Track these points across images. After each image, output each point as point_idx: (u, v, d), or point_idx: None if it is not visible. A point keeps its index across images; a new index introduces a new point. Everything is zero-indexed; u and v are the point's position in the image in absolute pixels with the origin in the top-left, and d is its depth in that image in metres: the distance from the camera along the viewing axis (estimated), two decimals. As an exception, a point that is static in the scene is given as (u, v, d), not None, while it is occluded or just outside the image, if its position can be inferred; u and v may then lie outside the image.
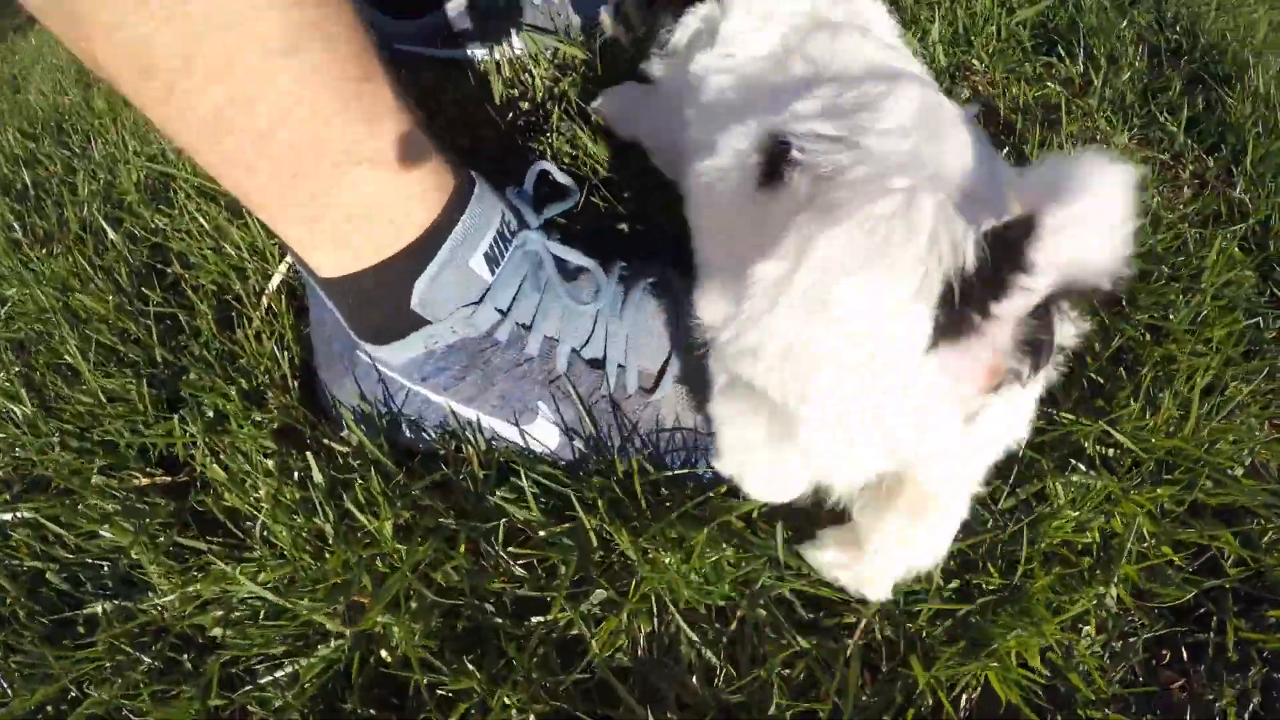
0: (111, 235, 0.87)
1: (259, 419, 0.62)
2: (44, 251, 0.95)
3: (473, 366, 0.50)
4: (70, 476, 0.65)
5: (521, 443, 0.51)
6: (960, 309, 0.30)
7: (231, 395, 0.63)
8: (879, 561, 0.43)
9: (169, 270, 0.84)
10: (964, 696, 0.47)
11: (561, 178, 0.55)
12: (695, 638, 0.48)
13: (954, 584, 0.50)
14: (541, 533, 0.51)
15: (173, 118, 0.39)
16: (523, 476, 0.52)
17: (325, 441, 0.58)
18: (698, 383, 0.50)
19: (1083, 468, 0.55)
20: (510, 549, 0.50)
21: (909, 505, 0.41)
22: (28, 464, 0.70)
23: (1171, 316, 0.64)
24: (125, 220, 0.93)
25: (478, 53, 0.97)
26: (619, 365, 0.51)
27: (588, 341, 0.51)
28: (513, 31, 0.95)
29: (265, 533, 0.54)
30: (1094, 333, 0.60)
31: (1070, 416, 0.57)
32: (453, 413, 0.53)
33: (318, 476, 0.54)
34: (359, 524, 0.52)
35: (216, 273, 0.79)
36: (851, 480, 0.39)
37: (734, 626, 0.49)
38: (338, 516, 0.53)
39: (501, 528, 0.51)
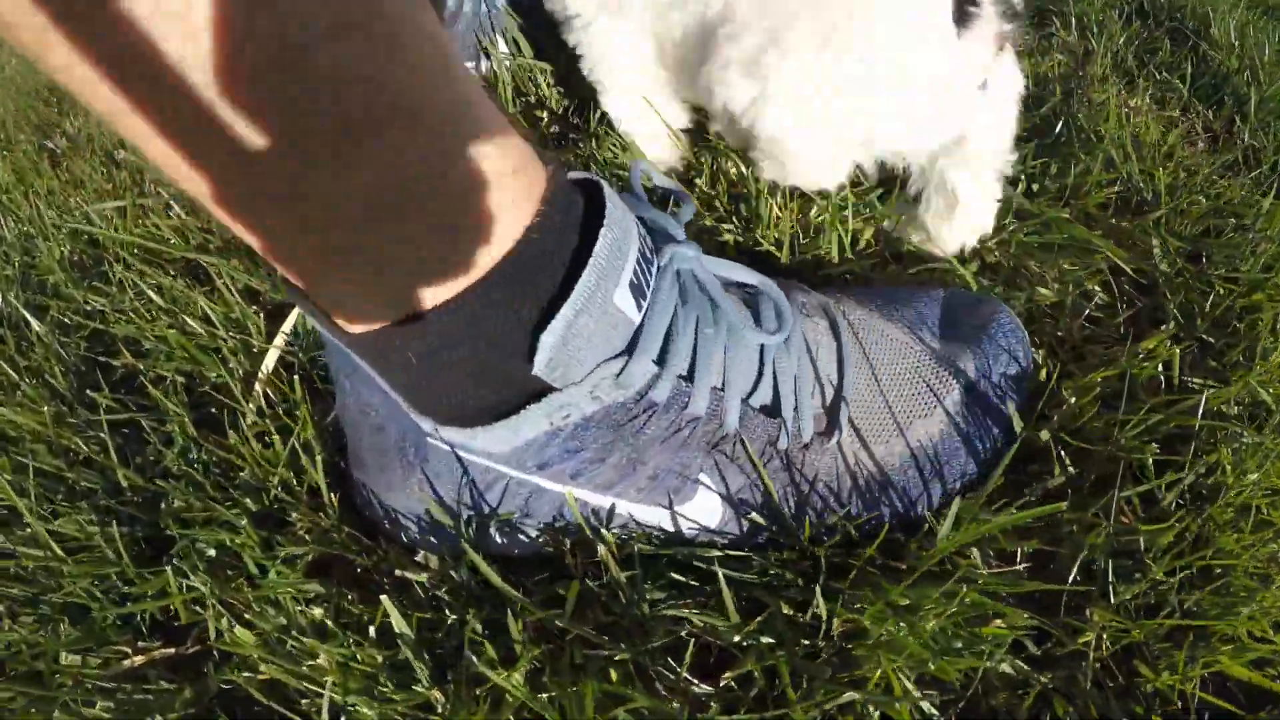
0: (36, 326, 0.68)
1: (287, 553, 0.45)
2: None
3: (619, 442, 0.35)
4: (30, 661, 0.47)
5: (669, 526, 0.38)
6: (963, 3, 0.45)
7: (240, 525, 0.46)
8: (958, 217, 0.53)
9: (116, 363, 0.66)
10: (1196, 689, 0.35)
11: (665, 180, 0.41)
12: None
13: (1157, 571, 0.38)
14: (736, 638, 0.35)
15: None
16: (678, 569, 0.37)
17: (398, 572, 0.42)
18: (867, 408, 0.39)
19: (1238, 429, 0.43)
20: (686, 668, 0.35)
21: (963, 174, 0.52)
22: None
23: (1243, 267, 0.55)
24: (50, 307, 0.74)
25: (481, 66, 0.85)
26: (794, 409, 0.38)
27: (756, 385, 0.37)
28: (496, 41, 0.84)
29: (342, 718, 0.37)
30: (1194, 297, 0.52)
31: (1199, 381, 0.46)
32: (574, 502, 0.38)
33: (400, 624, 0.38)
34: (479, 676, 0.36)
35: (182, 358, 0.62)
36: (917, 148, 0.52)
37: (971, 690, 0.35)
38: (436, 674, 0.37)
39: (687, 643, 0.35)
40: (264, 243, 0.29)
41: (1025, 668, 0.35)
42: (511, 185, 0.30)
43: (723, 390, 0.36)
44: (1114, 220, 0.59)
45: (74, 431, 0.60)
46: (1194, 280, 0.54)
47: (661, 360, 0.34)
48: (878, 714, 0.33)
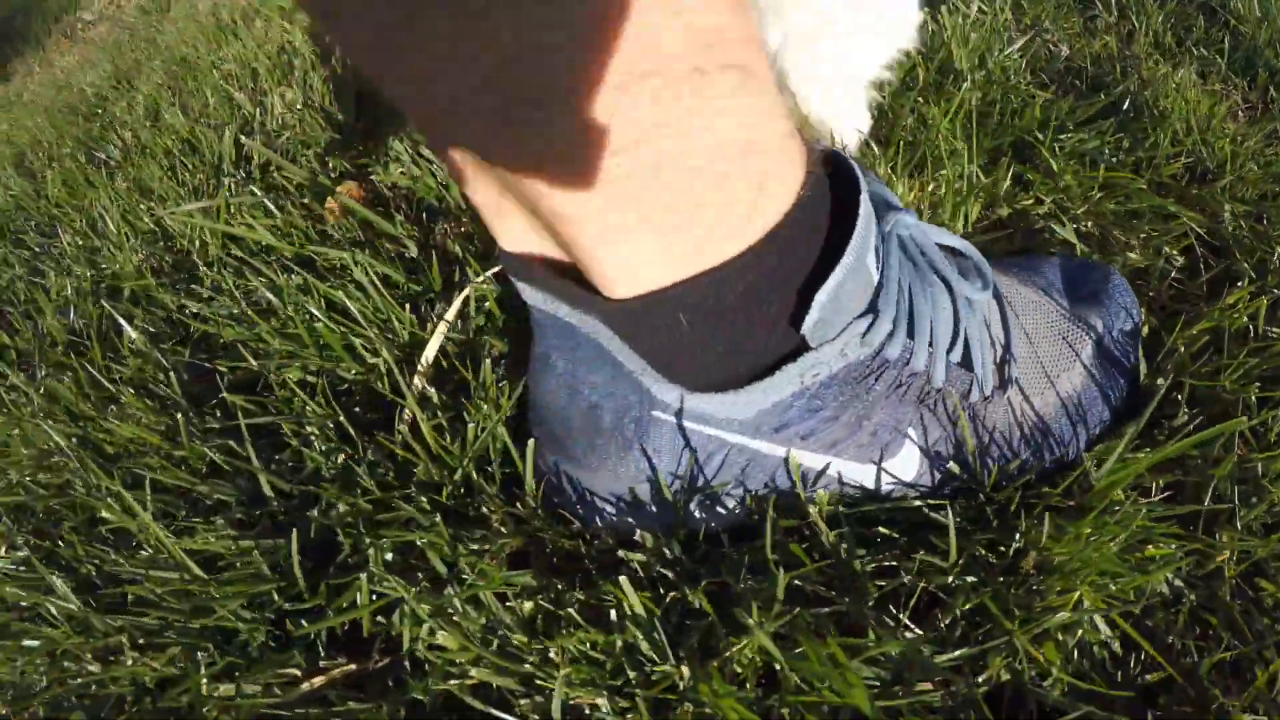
0: (131, 334, 0.64)
1: (479, 548, 0.41)
2: (22, 376, 0.70)
3: (854, 400, 0.36)
4: (176, 698, 0.42)
5: (870, 483, 0.39)
6: None
7: (431, 522, 0.41)
8: None
9: (226, 369, 0.61)
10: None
11: (847, 155, 0.39)
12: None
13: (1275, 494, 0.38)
14: (950, 579, 0.35)
15: None
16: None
17: (632, 559, 0.38)
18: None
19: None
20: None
21: None
22: (86, 687, 0.47)
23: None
24: (135, 315, 0.69)
25: None
26: (981, 364, 0.39)
27: (953, 342, 0.38)
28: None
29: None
30: (1264, 256, 0.55)
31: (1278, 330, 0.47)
32: (786, 466, 0.37)
33: (637, 604, 0.34)
34: (710, 648, 0.32)
35: (310, 356, 0.57)
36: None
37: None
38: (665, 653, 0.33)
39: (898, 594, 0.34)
40: (562, 209, 0.28)
41: (1180, 585, 0.36)
42: (791, 148, 0.31)
43: (932, 347, 0.37)
44: (1186, 188, 0.62)
45: (192, 442, 0.55)
46: (1259, 242, 0.56)
47: (895, 318, 0.35)
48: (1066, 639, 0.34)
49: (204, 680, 0.42)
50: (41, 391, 0.61)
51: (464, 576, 0.40)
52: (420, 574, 0.42)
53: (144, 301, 0.73)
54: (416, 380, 0.49)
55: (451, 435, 0.47)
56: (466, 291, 0.54)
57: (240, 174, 0.81)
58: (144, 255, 0.77)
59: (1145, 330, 0.47)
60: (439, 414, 0.49)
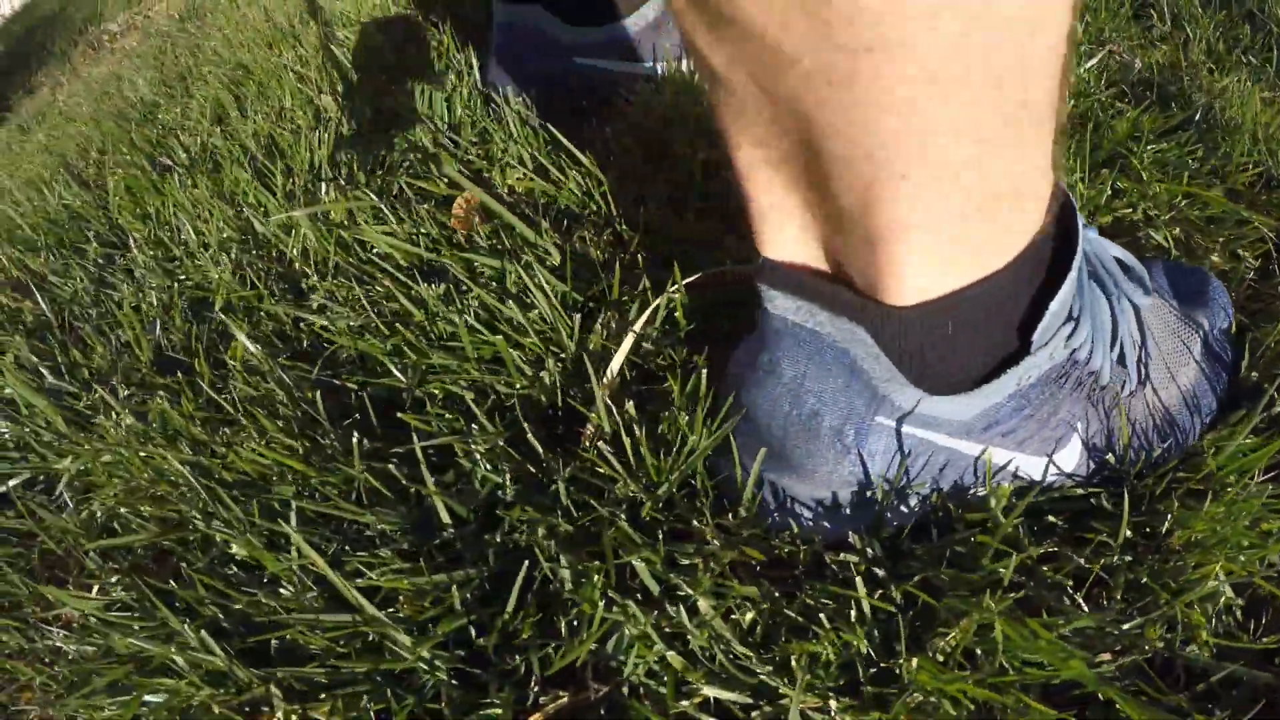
0: (248, 344, 0.58)
1: (692, 562, 0.36)
2: (122, 401, 0.64)
3: (1050, 398, 0.40)
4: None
5: (1038, 475, 0.41)
6: None
7: (644, 541, 0.36)
8: None
9: (356, 384, 0.56)
10: None
11: None
12: None
13: None
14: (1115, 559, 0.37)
15: None
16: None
17: (845, 560, 0.34)
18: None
19: None
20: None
21: None
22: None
23: None
24: (238, 329, 0.63)
25: (660, 67, 0.79)
26: (1131, 362, 0.44)
27: (1113, 341, 0.43)
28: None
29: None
30: None
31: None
32: (976, 463, 0.40)
33: (868, 604, 0.29)
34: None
35: (470, 366, 0.52)
36: None
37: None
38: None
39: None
40: (866, 205, 0.29)
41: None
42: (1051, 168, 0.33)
43: (1104, 347, 0.41)
44: (1257, 195, 0.65)
45: (332, 464, 0.50)
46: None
47: (1092, 324, 0.39)
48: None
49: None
50: (153, 418, 0.55)
51: (680, 593, 0.37)
52: (638, 595, 0.37)
53: (241, 314, 0.67)
54: (600, 395, 0.43)
55: (649, 449, 0.42)
56: (658, 301, 0.49)
57: (339, 178, 0.76)
58: (235, 264, 0.72)
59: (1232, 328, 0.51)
60: (636, 428, 0.43)
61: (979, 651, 0.33)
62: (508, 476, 0.46)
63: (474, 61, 0.82)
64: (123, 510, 0.58)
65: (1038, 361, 0.37)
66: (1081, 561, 0.37)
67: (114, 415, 0.64)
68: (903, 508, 0.40)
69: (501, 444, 0.47)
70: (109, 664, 0.50)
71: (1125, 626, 0.35)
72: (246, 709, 0.45)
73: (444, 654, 0.41)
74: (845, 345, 0.35)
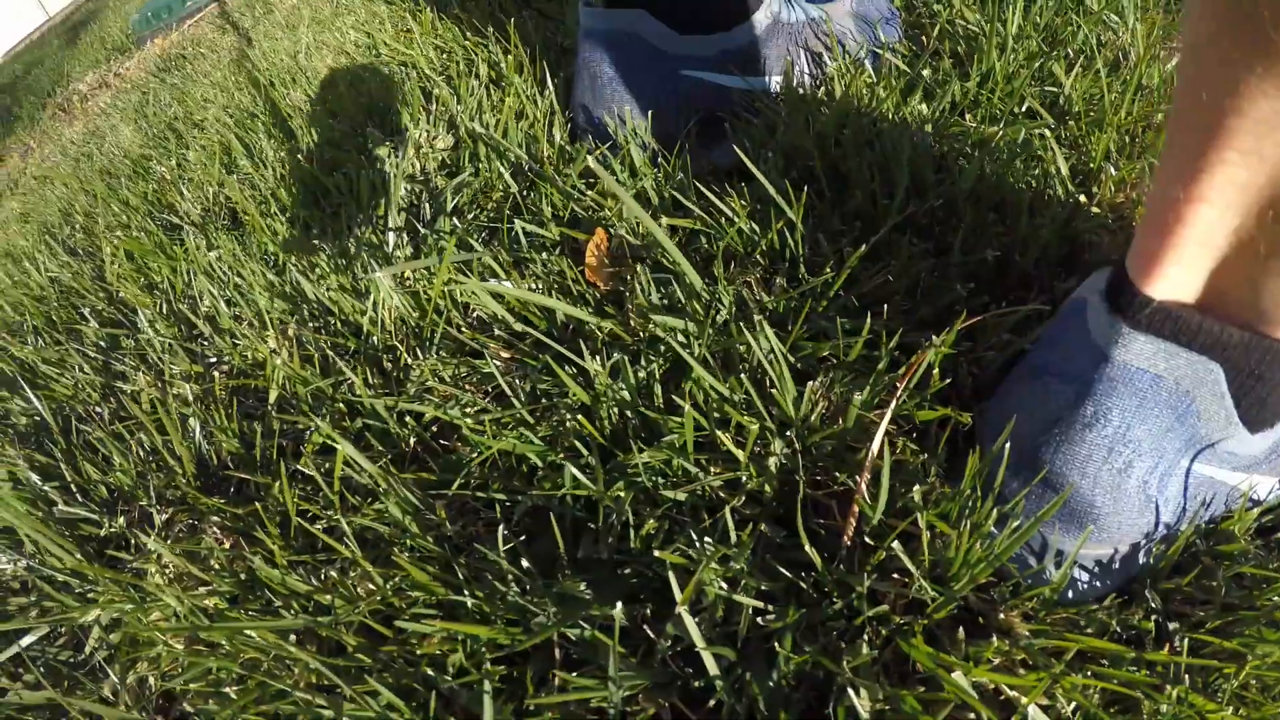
0: (354, 456, 0.43)
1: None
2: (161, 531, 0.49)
3: None
4: None
5: (1267, 496, 0.40)
6: None
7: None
8: None
9: (505, 499, 0.42)
10: None
11: None
12: None
13: None
14: None
15: None
16: None
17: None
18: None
19: None
20: None
21: None
22: None
23: None
24: (311, 426, 0.49)
25: (775, 81, 0.68)
26: None
27: None
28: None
29: None
30: None
31: None
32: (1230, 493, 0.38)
33: None
34: None
35: (689, 458, 0.38)
36: None
37: None
38: None
39: None
40: None
41: None
42: None
43: None
44: None
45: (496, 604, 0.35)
46: None
47: None
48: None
49: None
50: (213, 559, 0.40)
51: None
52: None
53: (311, 408, 0.53)
54: (864, 477, 0.31)
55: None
56: (928, 355, 0.36)
57: (414, 223, 0.62)
58: (293, 341, 0.57)
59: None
60: (921, 517, 0.31)
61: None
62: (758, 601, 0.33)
63: (548, 79, 0.70)
64: (192, 686, 0.43)
65: None
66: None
67: (154, 555, 0.49)
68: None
69: (747, 556, 0.34)
70: None
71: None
72: None
73: None
74: (1190, 388, 0.35)
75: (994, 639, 0.32)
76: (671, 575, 0.33)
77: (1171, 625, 0.33)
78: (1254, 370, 0.35)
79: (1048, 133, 0.53)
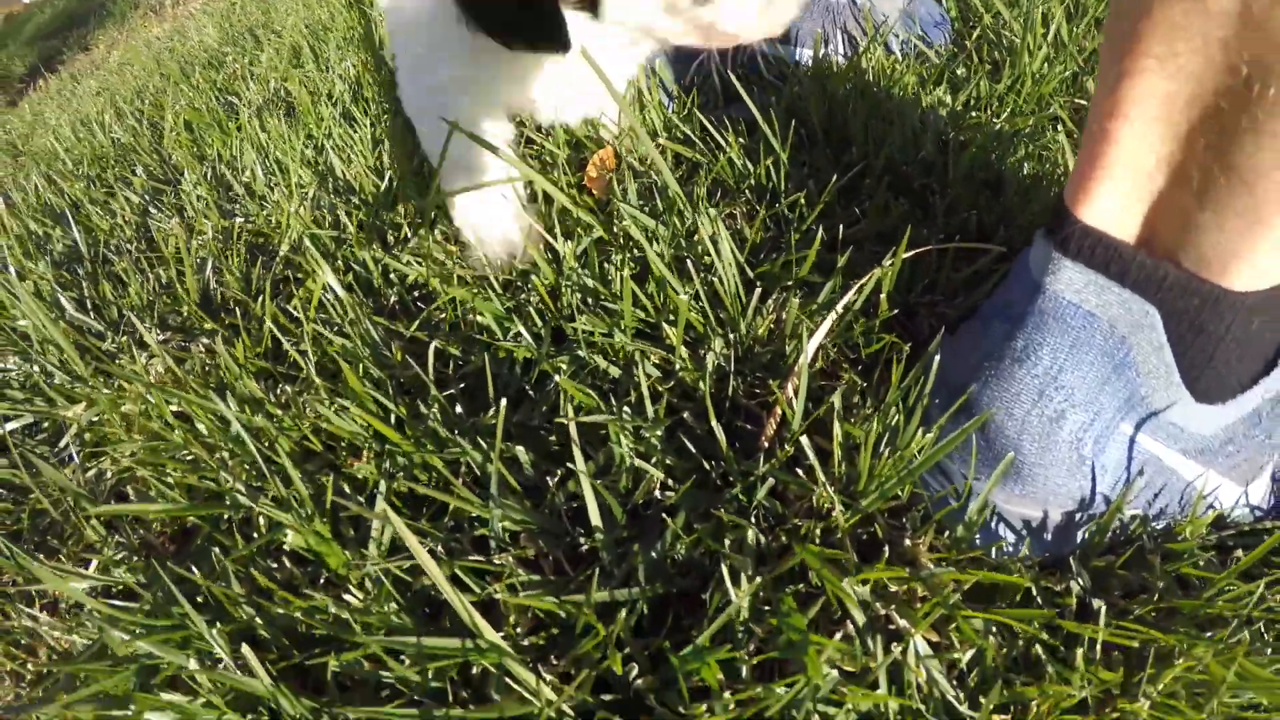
0: (332, 284, 0.47)
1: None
2: (157, 345, 0.53)
3: (1276, 421, 0.38)
4: None
5: (1228, 504, 0.39)
6: None
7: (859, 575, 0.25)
8: None
9: (458, 351, 0.45)
10: None
11: None
12: None
13: None
14: None
15: None
16: None
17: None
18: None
19: None
20: None
21: None
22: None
23: None
24: (308, 276, 0.53)
25: (804, 53, 0.71)
26: None
27: None
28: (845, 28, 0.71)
29: None
30: None
31: None
32: (1185, 490, 0.37)
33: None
34: None
35: (629, 334, 0.41)
36: None
37: None
38: None
39: None
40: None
41: None
42: None
43: None
44: None
45: (438, 440, 0.38)
46: None
47: None
48: None
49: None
50: (192, 364, 0.44)
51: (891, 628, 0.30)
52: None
53: (310, 264, 0.57)
54: (792, 381, 0.33)
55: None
56: (873, 273, 0.39)
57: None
58: (314, 203, 0.61)
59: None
60: (837, 425, 0.33)
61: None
62: (661, 473, 0.35)
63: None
64: (140, 472, 0.46)
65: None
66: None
67: (145, 357, 0.53)
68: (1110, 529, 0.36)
69: (661, 432, 0.36)
70: (103, 667, 0.38)
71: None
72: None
73: (588, 700, 0.29)
74: (1126, 333, 0.33)
75: (893, 563, 0.31)
76: (572, 426, 0.34)
77: (1095, 603, 0.32)
78: (1193, 319, 0.33)
79: (1060, 127, 0.55)
